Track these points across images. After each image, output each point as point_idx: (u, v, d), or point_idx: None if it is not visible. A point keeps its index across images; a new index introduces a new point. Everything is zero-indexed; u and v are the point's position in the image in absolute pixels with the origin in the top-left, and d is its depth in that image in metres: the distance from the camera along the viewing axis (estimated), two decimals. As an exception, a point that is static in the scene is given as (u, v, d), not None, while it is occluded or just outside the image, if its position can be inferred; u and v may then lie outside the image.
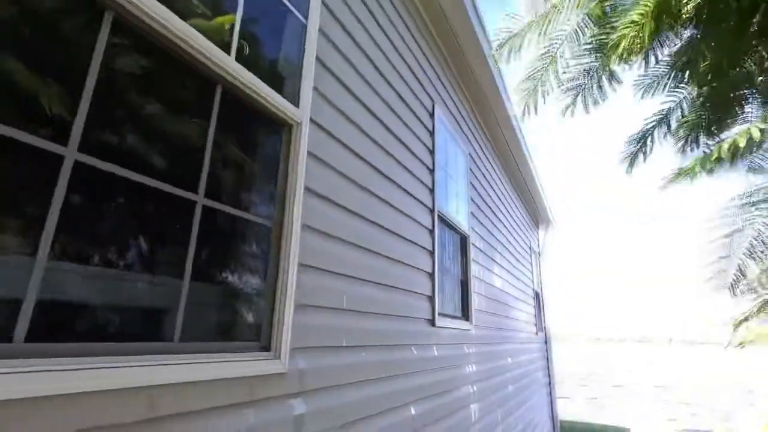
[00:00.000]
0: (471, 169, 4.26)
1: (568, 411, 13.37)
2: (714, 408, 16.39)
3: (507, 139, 5.37)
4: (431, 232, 2.99)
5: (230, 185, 1.41)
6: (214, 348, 1.25)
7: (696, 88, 4.98)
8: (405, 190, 2.64)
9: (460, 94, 4.16)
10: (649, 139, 5.69)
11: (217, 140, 1.32)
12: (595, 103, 5.18)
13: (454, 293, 3.59)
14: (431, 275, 2.92)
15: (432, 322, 2.85)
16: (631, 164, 5.95)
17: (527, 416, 5.90)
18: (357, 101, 2.16)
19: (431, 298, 2.88)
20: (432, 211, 3.04)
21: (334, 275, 1.83)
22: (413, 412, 2.40)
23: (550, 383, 8.68)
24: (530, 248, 7.92)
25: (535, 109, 4.99)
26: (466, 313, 3.75)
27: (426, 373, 2.66)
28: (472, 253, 4.02)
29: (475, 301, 3.95)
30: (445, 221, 3.36)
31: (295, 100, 1.65)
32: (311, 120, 1.75)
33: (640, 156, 5.83)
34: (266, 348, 1.40)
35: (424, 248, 2.85)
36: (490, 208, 4.95)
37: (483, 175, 4.80)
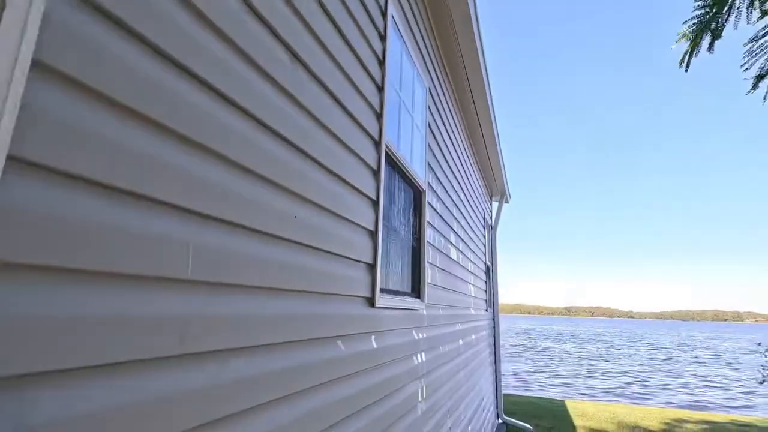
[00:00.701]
0: (430, 109, 3.38)
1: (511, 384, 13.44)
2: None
3: (471, 82, 4.53)
4: (376, 173, 2.10)
5: None
6: None
7: None
8: (341, 104, 1.70)
9: (422, 8, 3.22)
10: (727, 5, 3.91)
11: None
12: None
13: (402, 263, 2.75)
14: (373, 234, 2.04)
15: (371, 302, 1.99)
16: (693, 47, 4.22)
17: (476, 400, 5.34)
18: None
19: (372, 268, 2.01)
20: (378, 144, 2.13)
21: (164, 208, 0.88)
22: (336, 440, 1.54)
23: (495, 360, 8.35)
24: (484, 219, 7.31)
25: None
26: (416, 289, 2.94)
27: (359, 377, 1.81)
28: (428, 214, 3.20)
29: (429, 274, 3.15)
30: (395, 164, 2.47)
31: None
32: None
33: (706, 36, 4.09)
34: None
35: (365, 195, 1.96)
36: (448, 163, 4.13)
37: (443, 121, 3.94)
